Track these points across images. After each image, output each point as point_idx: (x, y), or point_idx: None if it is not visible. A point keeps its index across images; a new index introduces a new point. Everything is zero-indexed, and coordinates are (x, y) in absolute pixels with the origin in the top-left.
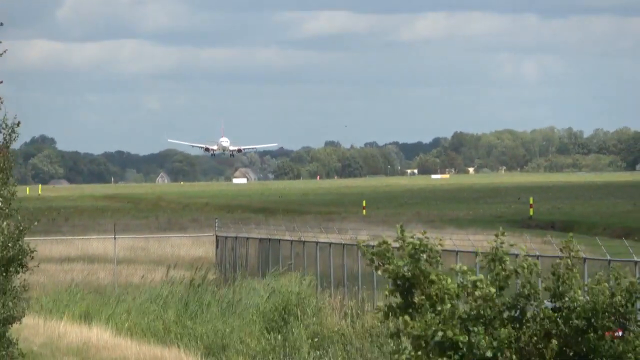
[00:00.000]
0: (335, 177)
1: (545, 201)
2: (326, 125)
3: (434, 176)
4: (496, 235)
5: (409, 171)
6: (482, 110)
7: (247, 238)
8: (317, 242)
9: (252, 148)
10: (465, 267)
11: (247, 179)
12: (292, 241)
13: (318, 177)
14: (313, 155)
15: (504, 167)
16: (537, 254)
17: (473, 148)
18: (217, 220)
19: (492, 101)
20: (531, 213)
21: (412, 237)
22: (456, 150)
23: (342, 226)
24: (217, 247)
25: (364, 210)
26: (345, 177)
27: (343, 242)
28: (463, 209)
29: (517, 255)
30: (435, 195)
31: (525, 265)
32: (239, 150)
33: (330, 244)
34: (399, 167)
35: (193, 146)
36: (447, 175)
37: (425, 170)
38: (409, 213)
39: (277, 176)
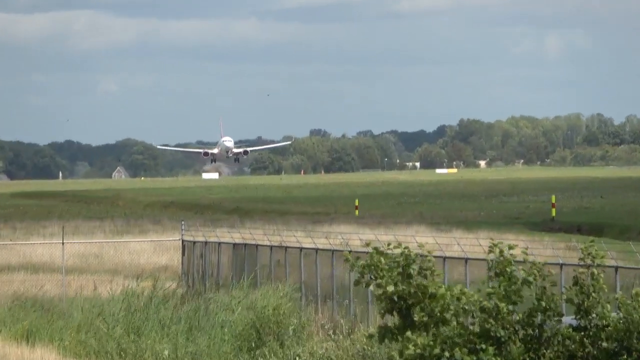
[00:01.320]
0: (323, 172)
1: (570, 200)
2: (312, 111)
3: (438, 170)
4: (492, 242)
5: (409, 164)
6: (495, 94)
7: (219, 243)
8: (301, 248)
9: (263, 148)
10: (462, 289)
11: (220, 174)
12: (271, 246)
13: (302, 172)
14: (297, 146)
15: (522, 160)
16: (560, 262)
17: (484, 138)
18: (183, 223)
19: (506, 83)
20: (553, 214)
21: (399, 247)
22: (465, 140)
23: (331, 229)
24: (183, 253)
25: (357, 211)
26: (335, 171)
27: (332, 248)
28: (473, 208)
29: (532, 263)
30: (440, 192)
31: (537, 273)
32: (245, 153)
33: (316, 249)
34: (398, 160)
35: (188, 151)
36: (454, 170)
37: (428, 164)
38: (409, 214)
39: (254, 170)
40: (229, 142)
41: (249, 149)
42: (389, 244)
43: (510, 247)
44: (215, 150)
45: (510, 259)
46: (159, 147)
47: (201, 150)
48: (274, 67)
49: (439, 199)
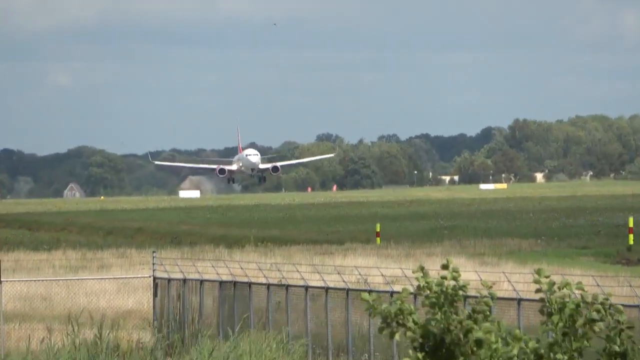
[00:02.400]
0: (335, 188)
1: None
2: (319, 110)
3: (483, 186)
4: (537, 273)
5: (446, 179)
6: (554, 87)
7: (201, 281)
8: (306, 287)
9: (299, 162)
10: (517, 333)
11: (202, 192)
12: (269, 285)
13: (309, 189)
14: (301, 155)
15: (590, 172)
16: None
17: (542, 144)
18: (155, 255)
19: (570, 72)
20: (631, 241)
21: (441, 279)
22: (517, 147)
23: (345, 262)
24: (155, 294)
25: (378, 238)
26: (350, 188)
27: (346, 287)
28: (528, 235)
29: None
30: (485, 214)
31: (604, 312)
32: (275, 169)
33: (326, 289)
34: (431, 173)
35: (192, 167)
36: (503, 185)
37: (470, 177)
38: (446, 242)
39: (246, 187)
40: (254, 156)
41: (279, 163)
42: (421, 284)
43: (566, 284)
44: (234, 167)
45: (568, 291)
46: (157, 163)
47: (215, 167)
48: (271, 54)
49: (484, 223)
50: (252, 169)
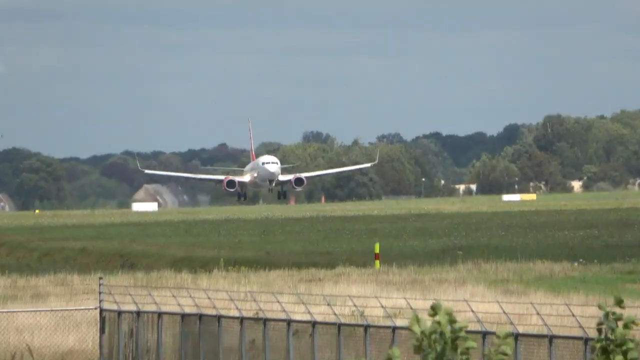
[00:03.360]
0: (323, 200)
1: None
2: (305, 104)
3: (507, 197)
4: (600, 308)
5: (460, 188)
6: (595, 75)
7: (160, 314)
8: (289, 321)
9: (327, 173)
10: None
11: (160, 204)
12: (242, 318)
13: (292, 201)
14: (283, 157)
15: (638, 180)
16: None
17: (580, 145)
18: (102, 282)
19: (614, 56)
20: None
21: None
22: (549, 148)
23: (336, 291)
24: (102, 330)
25: (377, 261)
26: (343, 199)
27: (338, 322)
28: (561, 257)
29: None
30: (510, 232)
31: None
32: (299, 182)
33: (313, 323)
34: (443, 181)
35: (193, 178)
36: (532, 195)
37: (491, 186)
38: (460, 266)
39: (215, 198)
40: (272, 165)
41: (304, 174)
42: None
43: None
44: (246, 178)
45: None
46: (146, 172)
47: (221, 177)
48: (241, 34)
49: (508, 242)
50: (271, 181)
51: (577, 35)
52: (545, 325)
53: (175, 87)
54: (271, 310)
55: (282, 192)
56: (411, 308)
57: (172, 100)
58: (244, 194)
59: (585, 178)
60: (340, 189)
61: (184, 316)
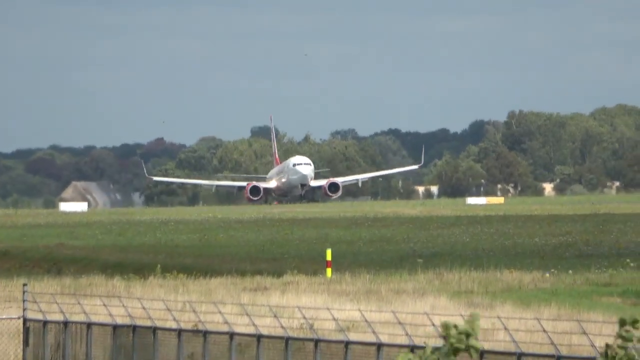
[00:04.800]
0: (275, 202)
1: None
2: (254, 97)
3: (472, 200)
4: (622, 324)
5: (420, 189)
6: (570, 67)
7: (89, 324)
8: (231, 334)
9: (365, 177)
10: None
11: (90, 204)
12: (180, 330)
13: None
14: (225, 155)
15: (616, 182)
16: None
17: (553, 144)
18: (26, 289)
19: (592, 47)
20: None
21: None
22: (518, 147)
23: (284, 302)
24: (26, 342)
25: (329, 270)
26: (292, 200)
27: (285, 335)
28: (532, 267)
29: None
30: (474, 238)
31: None
32: (334, 187)
33: (258, 336)
34: (401, 182)
35: (208, 185)
36: (499, 199)
37: (454, 189)
38: (420, 276)
39: (149, 198)
40: (306, 166)
41: (340, 179)
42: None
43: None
44: (272, 184)
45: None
46: (155, 179)
47: (243, 184)
48: (183, 18)
49: (472, 249)
50: (302, 185)
51: (551, 21)
52: (514, 341)
53: (108, 76)
54: (212, 322)
55: (311, 199)
56: (366, 321)
57: (104, 91)
58: (263, 198)
59: (558, 180)
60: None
61: (116, 327)
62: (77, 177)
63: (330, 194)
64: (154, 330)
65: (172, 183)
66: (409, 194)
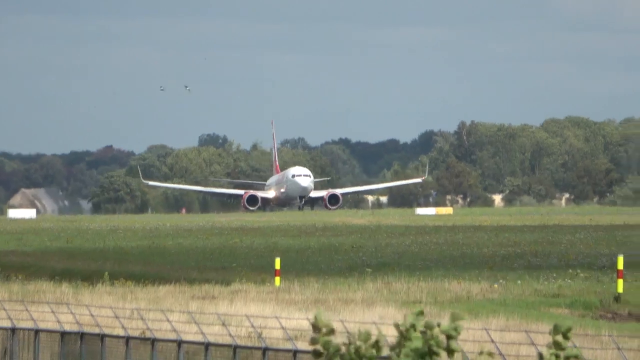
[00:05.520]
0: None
1: (637, 266)
2: (202, 105)
3: (421, 210)
4: (555, 332)
5: (369, 199)
6: (520, 78)
7: (37, 331)
8: (179, 342)
9: (369, 189)
10: None
11: (38, 210)
12: (128, 338)
13: (184, 210)
14: (175, 162)
15: (565, 194)
16: None
17: (503, 155)
18: None
19: (542, 57)
20: (620, 289)
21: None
22: (467, 158)
23: (232, 310)
24: None
25: (278, 278)
26: (239, 209)
27: (234, 343)
28: (481, 278)
29: None
30: (423, 249)
31: None
32: (334, 199)
33: (206, 344)
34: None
35: (203, 192)
36: (448, 210)
37: (403, 198)
38: (369, 285)
39: (97, 206)
40: (305, 178)
41: (339, 190)
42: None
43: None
44: (270, 194)
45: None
46: (150, 183)
47: (239, 193)
48: (133, 24)
49: (421, 260)
50: (301, 197)
51: (501, 31)
52: (462, 351)
53: (58, 83)
54: (160, 330)
55: (303, 204)
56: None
57: (54, 98)
58: (268, 205)
59: (507, 191)
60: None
61: (63, 334)
62: (26, 184)
63: (330, 206)
64: (102, 337)
65: (167, 188)
66: (358, 204)
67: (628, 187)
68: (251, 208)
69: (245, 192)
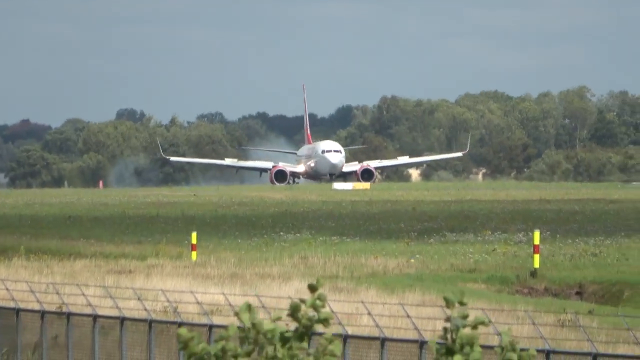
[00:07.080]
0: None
1: (566, 239)
2: (120, 79)
3: (338, 185)
4: (447, 305)
5: (288, 171)
6: (437, 53)
7: None
8: (95, 316)
9: (404, 164)
10: None
11: None
12: (43, 312)
13: (101, 183)
14: (89, 138)
15: (482, 169)
16: (547, 348)
17: (420, 130)
18: None
19: (454, 33)
20: (536, 264)
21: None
22: (384, 133)
23: (148, 284)
24: None
25: (194, 253)
26: (157, 184)
27: (149, 318)
28: (395, 252)
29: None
30: (340, 223)
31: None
32: (367, 174)
33: (122, 319)
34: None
35: (233, 166)
36: (365, 184)
37: (320, 173)
38: (286, 260)
39: (14, 179)
40: (335, 154)
41: (373, 163)
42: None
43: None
44: (300, 168)
45: (473, 335)
46: (172, 159)
47: (268, 166)
48: (54, 1)
49: (333, 234)
50: (331, 171)
51: (419, 6)
52: (377, 326)
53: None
54: (75, 304)
55: (328, 177)
56: (230, 304)
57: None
58: (293, 180)
59: (424, 166)
60: (155, 172)
61: None
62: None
63: (362, 180)
64: (17, 311)
65: (188, 163)
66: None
67: (545, 161)
68: (279, 183)
69: (273, 166)
